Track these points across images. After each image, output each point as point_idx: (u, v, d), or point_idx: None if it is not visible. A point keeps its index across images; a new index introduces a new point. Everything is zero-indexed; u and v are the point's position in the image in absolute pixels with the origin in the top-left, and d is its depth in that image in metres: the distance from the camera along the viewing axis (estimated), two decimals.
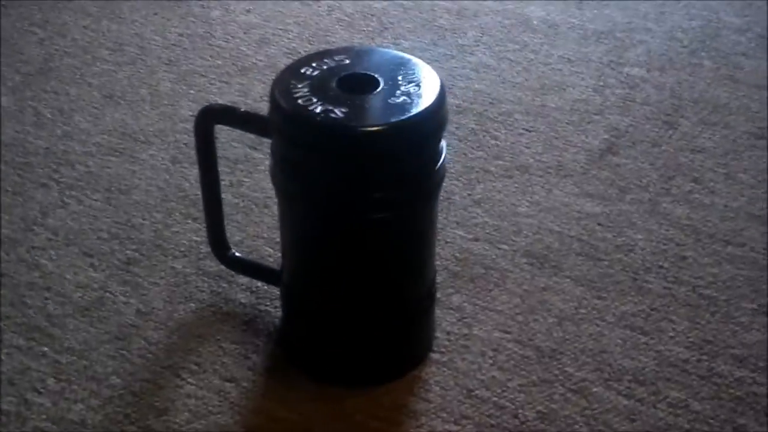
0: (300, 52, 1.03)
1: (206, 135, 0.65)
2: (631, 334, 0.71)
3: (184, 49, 1.06)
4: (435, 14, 1.13)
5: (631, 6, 1.14)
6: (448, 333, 0.71)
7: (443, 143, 0.60)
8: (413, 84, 0.57)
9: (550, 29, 1.11)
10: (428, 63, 0.60)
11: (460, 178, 0.87)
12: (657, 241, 0.80)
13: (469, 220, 0.82)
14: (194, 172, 0.80)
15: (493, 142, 0.92)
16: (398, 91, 0.57)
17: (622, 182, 0.86)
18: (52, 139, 0.92)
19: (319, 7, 1.14)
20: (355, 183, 0.57)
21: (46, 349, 0.69)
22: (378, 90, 0.57)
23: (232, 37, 1.09)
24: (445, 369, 0.68)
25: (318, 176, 0.57)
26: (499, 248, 0.79)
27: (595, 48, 1.06)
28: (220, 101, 0.96)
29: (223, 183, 0.71)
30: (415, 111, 0.55)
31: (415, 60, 0.60)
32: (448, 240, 0.80)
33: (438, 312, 0.72)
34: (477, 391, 0.67)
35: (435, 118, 0.57)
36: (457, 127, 0.94)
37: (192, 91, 0.99)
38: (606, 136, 0.92)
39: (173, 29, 1.10)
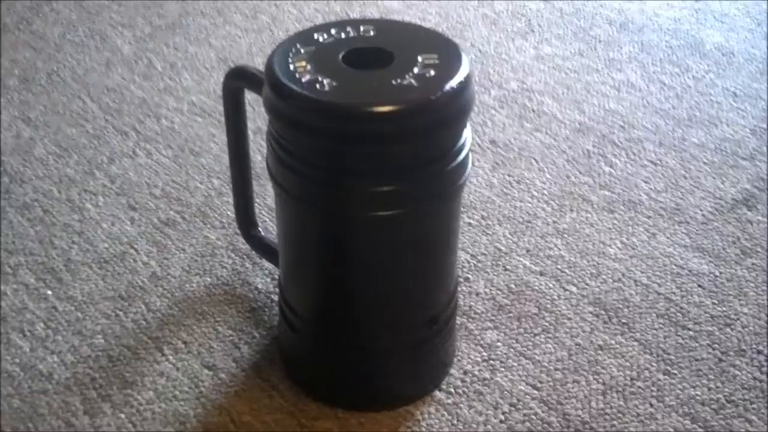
0: None
1: (234, 98, 0.59)
2: (690, 426, 0.56)
3: (315, 23, 1.01)
4: (593, 23, 1.01)
5: None
6: (466, 373, 0.60)
7: (464, 141, 0.50)
8: (432, 68, 0.47)
9: (724, 57, 0.94)
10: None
11: (550, 202, 0.75)
12: (767, 320, 0.64)
13: (542, 250, 0.70)
14: None
15: (606, 169, 0.79)
16: (410, 73, 0.47)
17: (747, 242, 0.70)
18: (151, 92, 0.90)
19: None
20: (335, 170, 0.48)
21: (49, 292, 0.66)
22: (387, 68, 0.48)
23: None
24: (444, 413, 0.57)
25: (299, 159, 0.49)
26: (565, 289, 0.66)
27: None
28: None
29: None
30: (414, 96, 0.46)
31: (454, 45, 0.50)
32: (509, 267, 0.68)
33: (464, 346, 0.62)
34: None
35: (438, 110, 0.46)
36: (570, 146, 0.81)
37: None
38: (747, 186, 0.76)
39: (312, 3, 1.06)
